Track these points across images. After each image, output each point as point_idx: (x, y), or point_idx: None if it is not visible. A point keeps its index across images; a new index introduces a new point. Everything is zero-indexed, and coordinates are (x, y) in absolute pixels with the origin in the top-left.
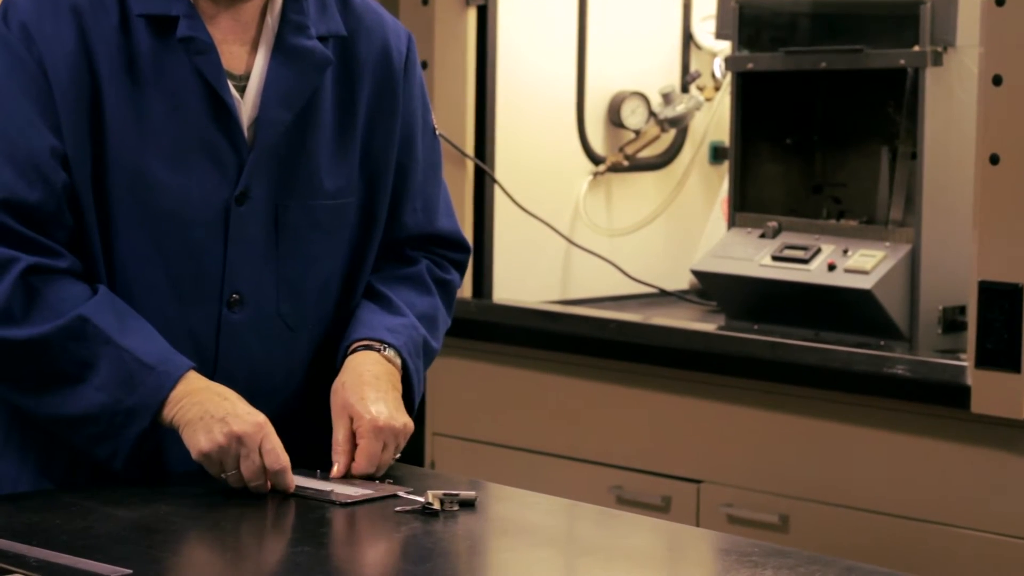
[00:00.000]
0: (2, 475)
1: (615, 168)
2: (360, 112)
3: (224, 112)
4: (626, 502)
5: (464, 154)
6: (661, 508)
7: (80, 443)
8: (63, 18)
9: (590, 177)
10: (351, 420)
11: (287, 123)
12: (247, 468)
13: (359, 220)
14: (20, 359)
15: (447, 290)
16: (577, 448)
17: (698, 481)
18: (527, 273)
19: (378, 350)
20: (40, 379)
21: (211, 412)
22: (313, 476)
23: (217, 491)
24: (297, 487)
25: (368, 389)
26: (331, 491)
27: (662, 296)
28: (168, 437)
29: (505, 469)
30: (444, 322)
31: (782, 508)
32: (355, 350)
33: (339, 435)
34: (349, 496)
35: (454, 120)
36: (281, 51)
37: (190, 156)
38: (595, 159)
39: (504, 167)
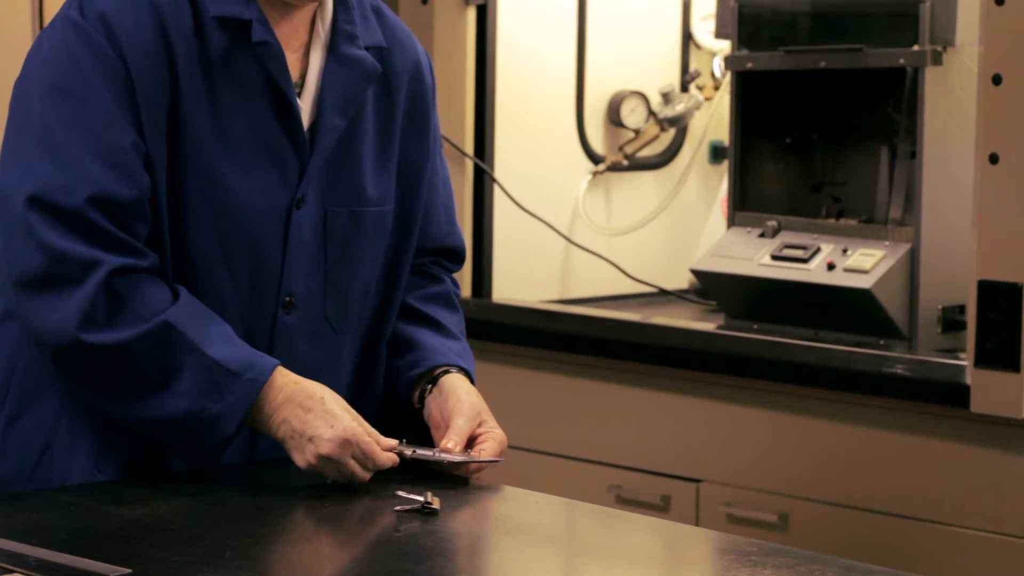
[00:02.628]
0: (51, 467)
1: (614, 167)
2: (398, 123)
3: (290, 116)
4: (625, 501)
5: (464, 153)
6: (660, 507)
7: (166, 444)
8: (143, 12)
9: (589, 176)
10: (479, 424)
11: (342, 130)
12: (345, 477)
13: (395, 228)
14: (104, 364)
15: (461, 306)
16: (576, 447)
17: (698, 480)
18: (526, 272)
19: (466, 376)
20: (123, 384)
21: (298, 431)
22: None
23: (217, 491)
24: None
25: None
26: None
27: (661, 295)
28: None
29: (504, 468)
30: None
31: (781, 507)
32: (443, 373)
33: (464, 425)
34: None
35: (454, 120)
36: (335, 58)
37: (257, 158)
38: (594, 158)
39: (503, 166)
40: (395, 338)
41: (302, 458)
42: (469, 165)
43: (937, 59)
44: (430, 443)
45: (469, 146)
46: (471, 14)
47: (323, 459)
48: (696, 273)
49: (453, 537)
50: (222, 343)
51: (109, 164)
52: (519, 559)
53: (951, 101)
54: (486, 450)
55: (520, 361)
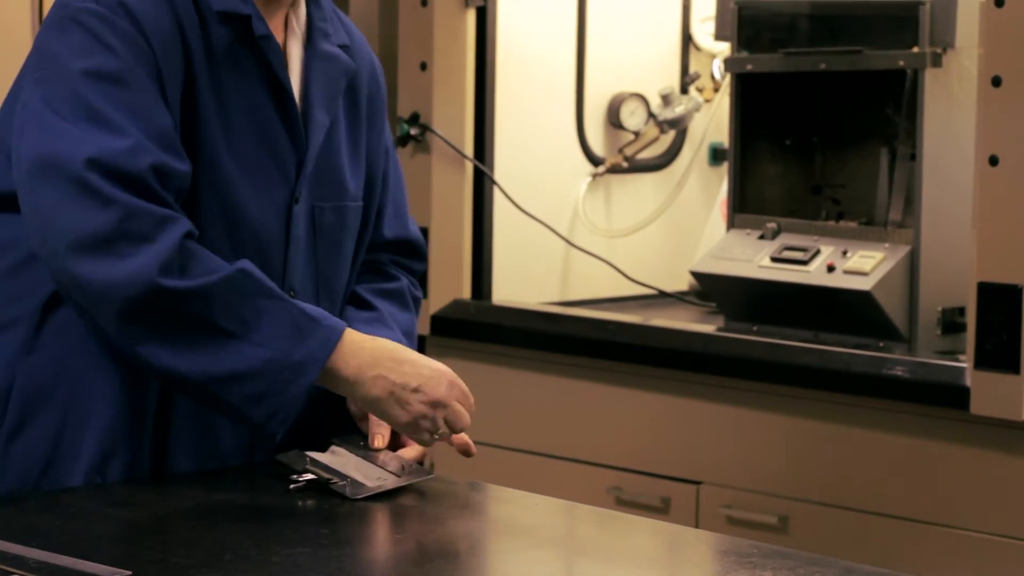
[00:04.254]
0: (56, 479)
1: (614, 169)
2: (362, 120)
3: (289, 112)
4: (625, 503)
5: (463, 155)
6: (660, 509)
7: (235, 404)
8: (163, 9)
9: (589, 178)
10: None
11: (327, 125)
12: (438, 428)
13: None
14: (180, 311)
15: (418, 307)
16: (576, 449)
17: (697, 482)
18: (526, 274)
19: None
20: (197, 334)
21: (399, 384)
22: (357, 447)
23: (217, 492)
24: (322, 471)
25: None
26: (348, 480)
27: (661, 297)
28: (170, 436)
29: (504, 470)
30: (416, 338)
31: (781, 509)
32: None
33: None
34: (365, 490)
35: (453, 121)
36: (315, 55)
37: (259, 153)
38: (594, 160)
39: (503, 168)
40: None
41: (407, 412)
42: (469, 167)
43: (937, 61)
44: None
45: (469, 148)
46: (471, 16)
47: (433, 405)
48: (696, 275)
49: (453, 539)
50: (287, 296)
51: (160, 142)
52: (519, 561)
53: (951, 103)
54: (409, 454)
55: (520, 363)
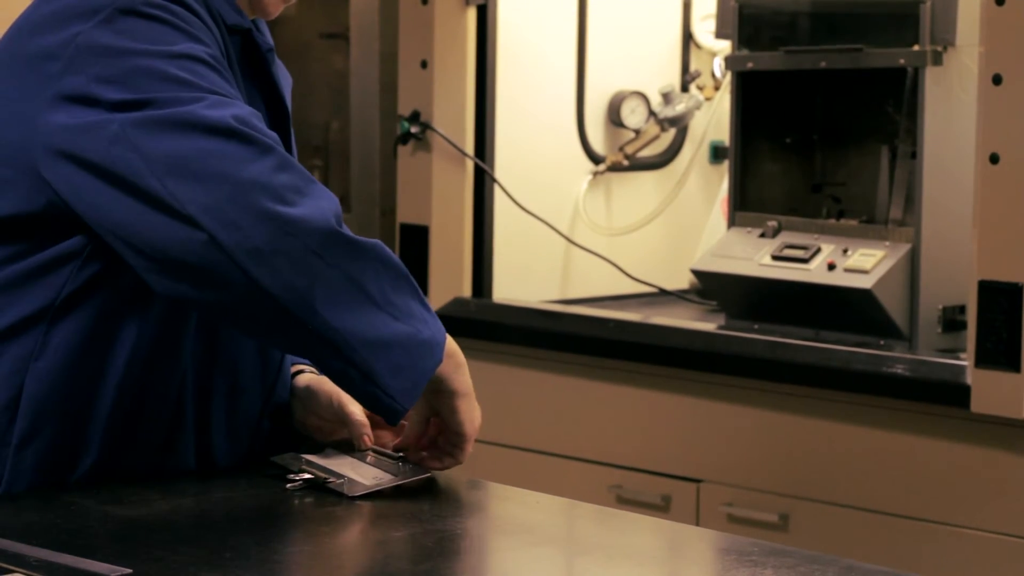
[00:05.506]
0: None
1: (615, 167)
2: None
3: (283, 119)
4: (626, 501)
5: (464, 153)
6: (661, 507)
7: (379, 371)
8: (200, 12)
9: (590, 176)
10: None
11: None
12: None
13: None
14: (344, 264)
15: None
16: (577, 447)
17: (698, 480)
18: (527, 272)
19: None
20: (354, 293)
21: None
22: (348, 449)
23: (217, 490)
24: (318, 470)
25: None
26: (345, 479)
27: (662, 295)
28: (174, 436)
29: (504, 468)
30: None
31: (782, 507)
32: (297, 374)
33: (357, 410)
34: (363, 488)
35: (454, 120)
36: (275, 63)
37: None
38: (595, 158)
39: (504, 166)
40: None
41: (476, 417)
42: (469, 165)
43: (937, 59)
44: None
45: (469, 146)
46: (471, 14)
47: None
48: (696, 273)
49: (453, 537)
50: None
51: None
52: (519, 559)
53: (951, 101)
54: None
55: (520, 361)
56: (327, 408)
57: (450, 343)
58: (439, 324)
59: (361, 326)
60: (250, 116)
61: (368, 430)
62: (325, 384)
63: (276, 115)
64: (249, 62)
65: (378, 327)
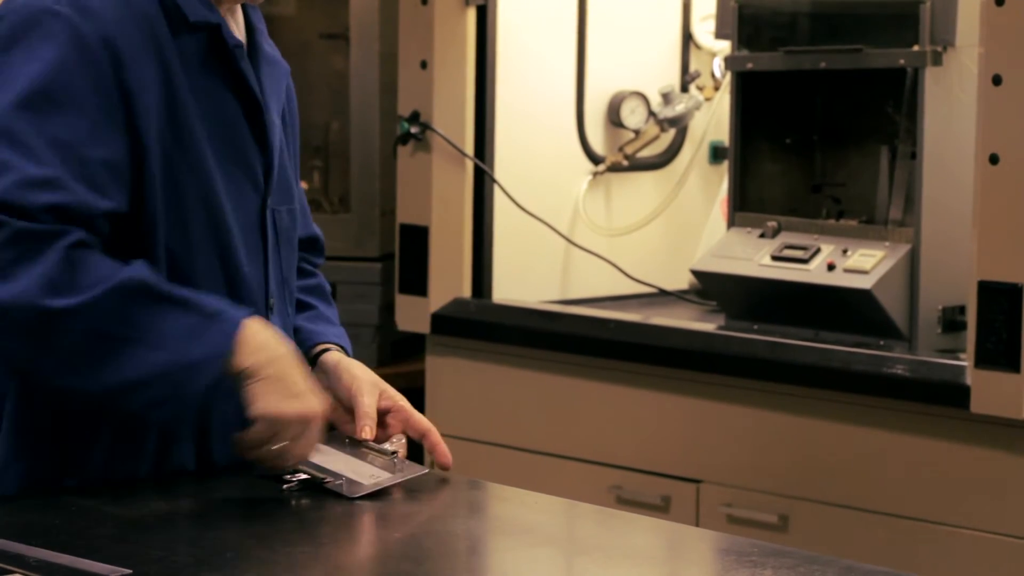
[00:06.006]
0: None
1: (615, 168)
2: (287, 121)
3: (257, 118)
4: (625, 502)
5: (463, 154)
6: (660, 508)
7: (139, 410)
8: (139, 22)
9: (589, 177)
10: (379, 396)
11: (280, 128)
12: (296, 449)
13: None
14: (72, 329)
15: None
16: (576, 448)
17: (698, 481)
18: (526, 273)
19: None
20: (92, 347)
21: (291, 379)
22: (343, 444)
23: (217, 490)
24: (315, 470)
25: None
26: (344, 479)
27: (661, 296)
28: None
29: (504, 469)
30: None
31: (781, 508)
32: (322, 352)
33: (370, 402)
34: (362, 488)
35: (453, 120)
36: (262, 58)
37: (234, 162)
38: (594, 159)
39: (503, 167)
40: None
41: (277, 405)
42: (469, 165)
43: (937, 60)
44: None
45: (469, 146)
46: (471, 14)
47: (276, 423)
48: (696, 274)
49: (453, 538)
50: (190, 292)
51: (78, 176)
52: (519, 559)
53: (951, 102)
54: (399, 440)
55: (520, 361)
56: (345, 391)
57: (256, 340)
58: (226, 329)
59: (107, 376)
60: (10, 190)
61: (372, 423)
62: (353, 368)
63: (249, 111)
64: (218, 58)
65: (127, 370)
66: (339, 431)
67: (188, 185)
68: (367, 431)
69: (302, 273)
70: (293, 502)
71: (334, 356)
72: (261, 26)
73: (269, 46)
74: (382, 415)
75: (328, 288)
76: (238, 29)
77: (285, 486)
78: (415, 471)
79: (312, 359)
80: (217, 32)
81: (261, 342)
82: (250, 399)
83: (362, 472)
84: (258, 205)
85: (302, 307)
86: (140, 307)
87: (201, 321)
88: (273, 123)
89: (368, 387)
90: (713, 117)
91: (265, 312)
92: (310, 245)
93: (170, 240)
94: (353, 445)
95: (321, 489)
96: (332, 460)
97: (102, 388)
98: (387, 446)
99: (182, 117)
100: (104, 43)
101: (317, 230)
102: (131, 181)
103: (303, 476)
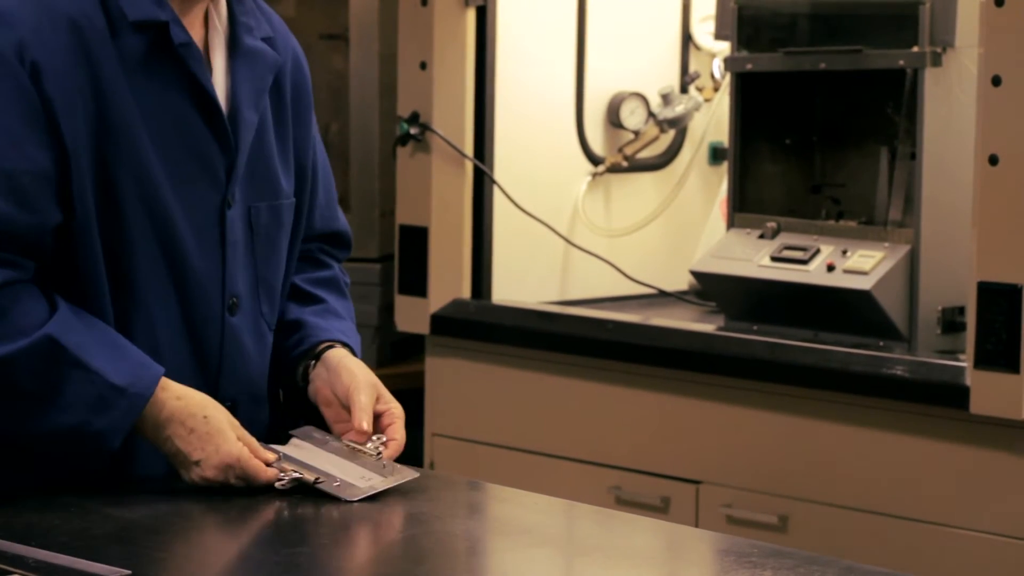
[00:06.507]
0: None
1: (614, 169)
2: (288, 112)
3: (214, 116)
4: (625, 502)
5: (463, 154)
6: (660, 508)
7: (48, 459)
8: (60, 28)
9: (589, 178)
10: (377, 399)
11: (256, 124)
12: (244, 477)
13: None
14: None
15: (350, 292)
16: (576, 448)
17: (697, 482)
18: (526, 273)
19: (351, 353)
20: (6, 399)
21: (183, 451)
22: (336, 440)
23: (216, 492)
24: (304, 468)
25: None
26: (340, 482)
27: (661, 297)
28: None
29: (504, 469)
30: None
31: (781, 509)
32: (327, 348)
33: (367, 401)
34: (358, 492)
35: (453, 121)
36: (240, 52)
37: (186, 161)
38: (594, 160)
39: (503, 168)
40: (280, 319)
41: (187, 476)
42: (469, 166)
43: (937, 60)
44: (319, 423)
45: (469, 147)
46: (471, 15)
47: (207, 480)
48: (696, 274)
49: (452, 538)
50: (107, 354)
51: (5, 191)
52: (518, 560)
53: (951, 102)
54: (394, 440)
55: (519, 362)
56: (343, 389)
57: (156, 408)
58: (131, 404)
59: (15, 423)
60: None
61: (369, 418)
62: (353, 368)
63: (204, 110)
64: (166, 57)
65: (35, 425)
66: (320, 430)
67: (126, 185)
68: (365, 424)
69: (316, 264)
70: (293, 503)
71: (337, 353)
72: (246, 20)
73: (255, 37)
74: (376, 417)
75: (345, 280)
76: (220, 23)
77: (278, 483)
78: (406, 475)
79: (317, 355)
80: (164, 31)
81: (164, 415)
82: (176, 467)
83: (352, 473)
84: (217, 203)
85: (311, 299)
86: (52, 368)
87: (109, 393)
88: (245, 120)
89: (366, 387)
90: (712, 118)
91: (223, 311)
92: (333, 239)
93: (108, 239)
94: (338, 445)
95: (313, 489)
96: (313, 456)
97: (8, 434)
98: (369, 446)
99: (117, 118)
100: (19, 52)
101: (342, 225)
102: (60, 187)
103: (296, 475)
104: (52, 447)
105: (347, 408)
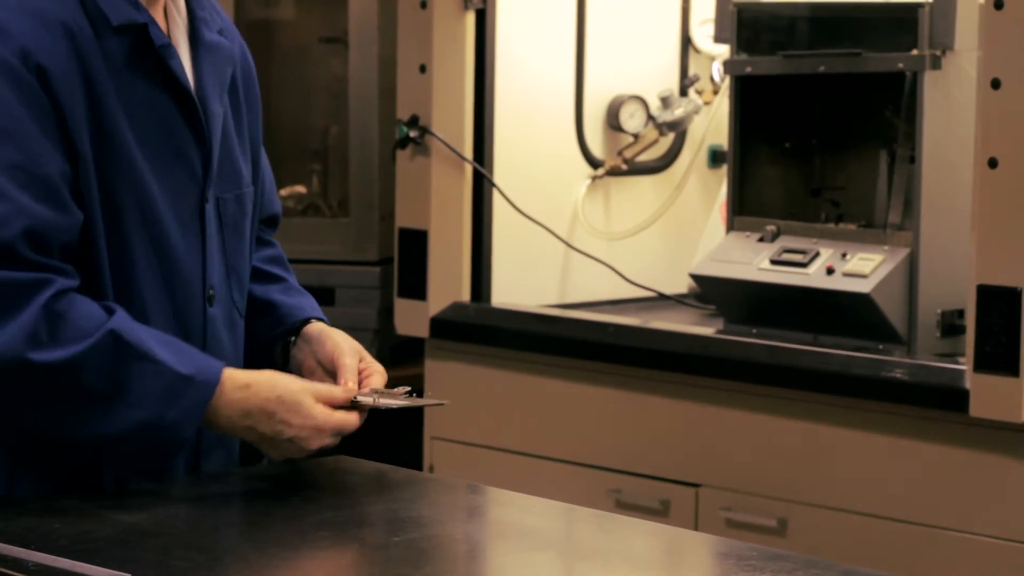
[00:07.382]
0: None
1: (614, 172)
2: (241, 102)
3: (191, 111)
4: (625, 506)
5: (462, 157)
6: (660, 512)
7: (121, 460)
8: (57, 35)
9: (588, 181)
10: (360, 360)
11: (222, 116)
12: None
13: None
14: (54, 383)
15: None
16: (575, 452)
17: (697, 485)
18: (526, 277)
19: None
20: (75, 402)
21: (271, 435)
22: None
23: (216, 494)
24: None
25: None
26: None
27: (661, 300)
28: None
29: (504, 473)
30: None
31: (780, 512)
32: (304, 323)
33: (352, 363)
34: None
35: (452, 124)
36: (202, 46)
37: (169, 157)
38: (593, 163)
39: (503, 171)
40: (250, 300)
41: (280, 455)
42: (468, 169)
43: (936, 64)
44: None
45: (468, 150)
46: (470, 18)
47: (309, 452)
48: (695, 278)
49: (452, 542)
50: (168, 348)
51: (42, 194)
52: (518, 564)
53: (950, 105)
54: (373, 382)
55: (519, 365)
56: (328, 356)
57: (228, 396)
58: (201, 393)
59: (90, 427)
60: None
61: (355, 377)
62: (335, 336)
63: (183, 106)
64: (146, 58)
65: (106, 424)
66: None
67: (120, 187)
68: (351, 383)
69: (260, 243)
70: (293, 505)
71: (317, 326)
72: (202, 14)
73: (212, 30)
74: (361, 378)
75: (286, 257)
76: (179, 17)
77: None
78: (435, 400)
79: (297, 330)
80: (144, 32)
81: (231, 398)
82: (266, 451)
83: (400, 399)
84: (197, 197)
85: (268, 278)
86: (119, 363)
87: (177, 383)
88: (213, 113)
89: (349, 350)
90: (712, 121)
91: (203, 304)
92: (271, 221)
93: (108, 243)
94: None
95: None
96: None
97: (83, 438)
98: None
99: (109, 120)
100: (24, 60)
101: (279, 207)
102: (74, 188)
103: (383, 403)
104: (128, 445)
105: (331, 373)
